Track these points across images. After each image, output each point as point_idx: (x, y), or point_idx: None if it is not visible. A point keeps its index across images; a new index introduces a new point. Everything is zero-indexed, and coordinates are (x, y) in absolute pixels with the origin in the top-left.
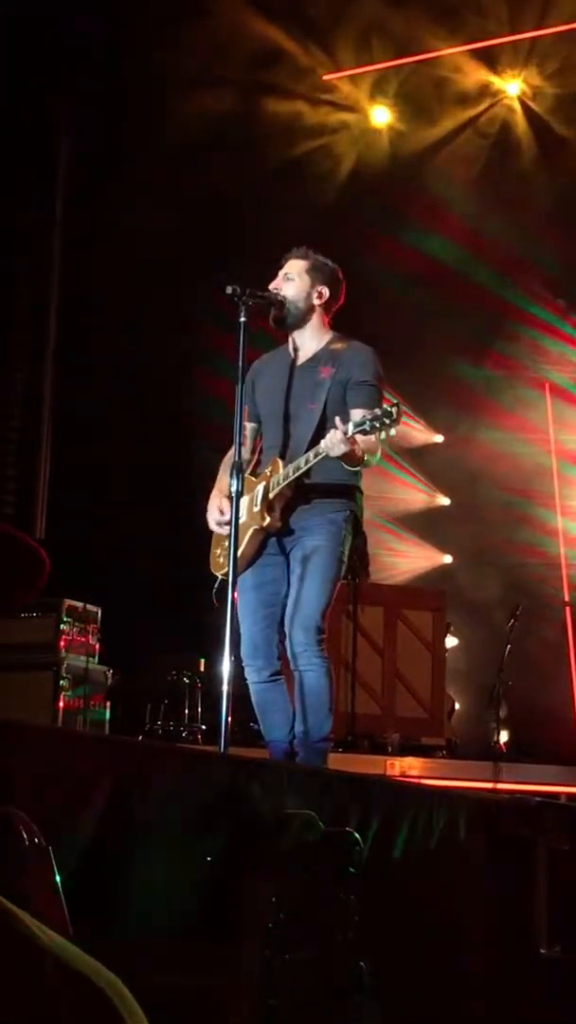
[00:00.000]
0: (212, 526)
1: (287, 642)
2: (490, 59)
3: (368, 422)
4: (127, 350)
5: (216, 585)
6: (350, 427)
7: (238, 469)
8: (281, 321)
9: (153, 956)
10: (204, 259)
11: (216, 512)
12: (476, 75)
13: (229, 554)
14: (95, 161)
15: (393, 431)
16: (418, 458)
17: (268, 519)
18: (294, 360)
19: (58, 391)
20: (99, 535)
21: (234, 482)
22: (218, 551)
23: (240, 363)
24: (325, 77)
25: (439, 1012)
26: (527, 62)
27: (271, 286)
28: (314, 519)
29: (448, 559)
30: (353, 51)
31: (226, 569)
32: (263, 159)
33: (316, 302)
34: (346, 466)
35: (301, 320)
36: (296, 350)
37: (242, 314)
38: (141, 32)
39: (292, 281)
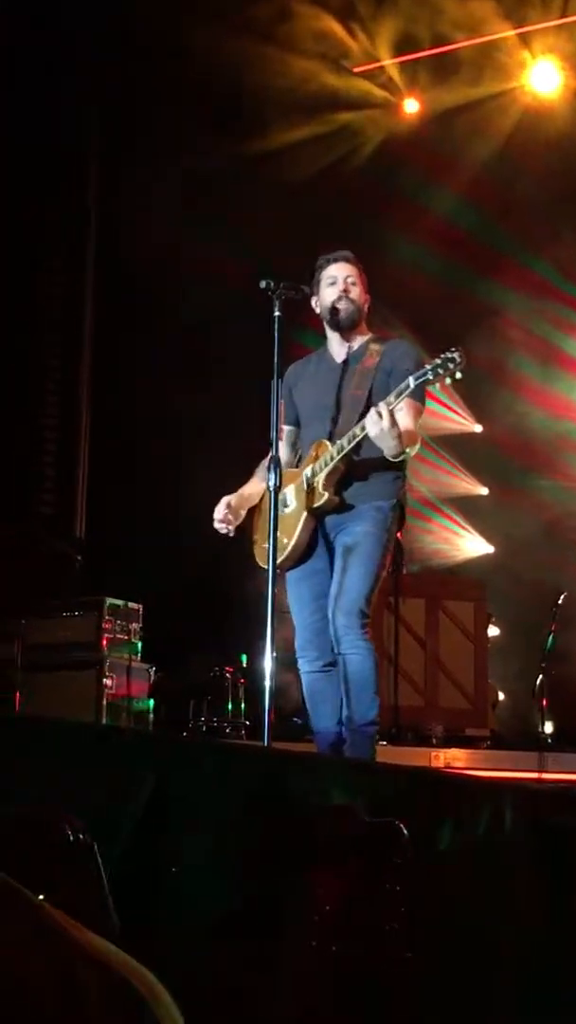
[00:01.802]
0: (216, 524)
1: (331, 627)
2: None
3: (431, 370)
4: (165, 345)
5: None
6: (411, 380)
7: (276, 463)
8: (345, 322)
9: (196, 952)
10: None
11: (223, 508)
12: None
13: (269, 548)
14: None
15: (459, 375)
16: (457, 447)
17: (325, 496)
18: (334, 359)
19: (95, 389)
20: (139, 533)
21: (272, 476)
22: (265, 544)
23: (275, 357)
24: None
25: (485, 1004)
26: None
27: (338, 290)
28: (361, 506)
29: (490, 548)
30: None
31: (282, 558)
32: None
33: (366, 308)
34: (389, 457)
35: (358, 324)
36: (336, 351)
37: (276, 308)
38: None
39: (356, 286)
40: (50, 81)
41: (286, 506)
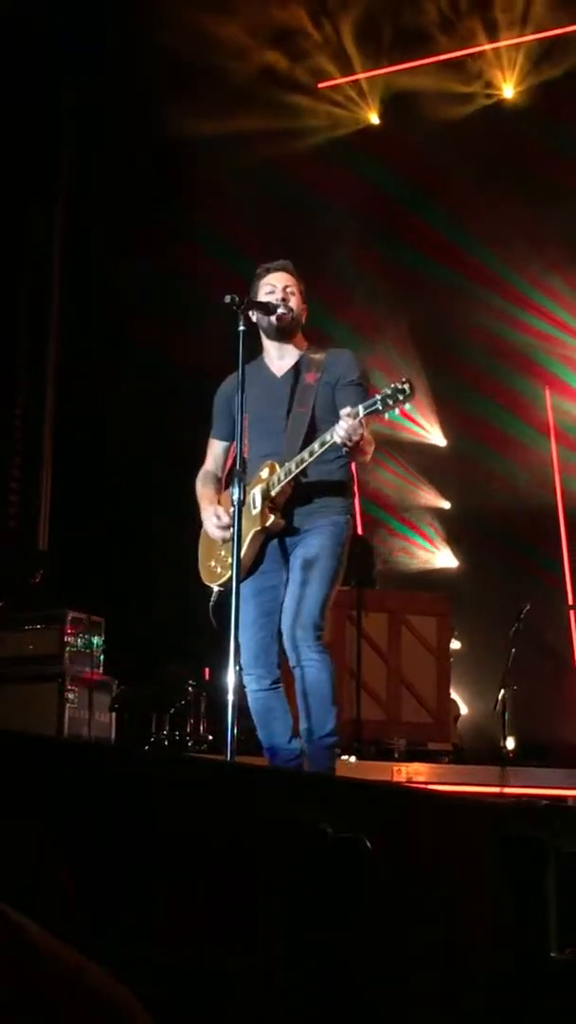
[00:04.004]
0: (213, 533)
1: (287, 640)
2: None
3: (380, 401)
4: (129, 359)
5: (213, 599)
6: (361, 409)
7: (239, 477)
8: (284, 331)
9: (161, 968)
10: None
11: (214, 517)
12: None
13: (232, 563)
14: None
15: (408, 406)
16: (420, 458)
17: (272, 518)
18: (272, 372)
19: (60, 403)
20: (102, 546)
21: (235, 490)
22: (211, 562)
23: (240, 371)
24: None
25: (450, 1018)
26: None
27: (275, 298)
28: (317, 520)
29: (454, 562)
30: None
31: (222, 580)
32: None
33: (303, 318)
34: (349, 458)
35: (294, 334)
36: (273, 363)
37: (240, 323)
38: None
39: (295, 295)
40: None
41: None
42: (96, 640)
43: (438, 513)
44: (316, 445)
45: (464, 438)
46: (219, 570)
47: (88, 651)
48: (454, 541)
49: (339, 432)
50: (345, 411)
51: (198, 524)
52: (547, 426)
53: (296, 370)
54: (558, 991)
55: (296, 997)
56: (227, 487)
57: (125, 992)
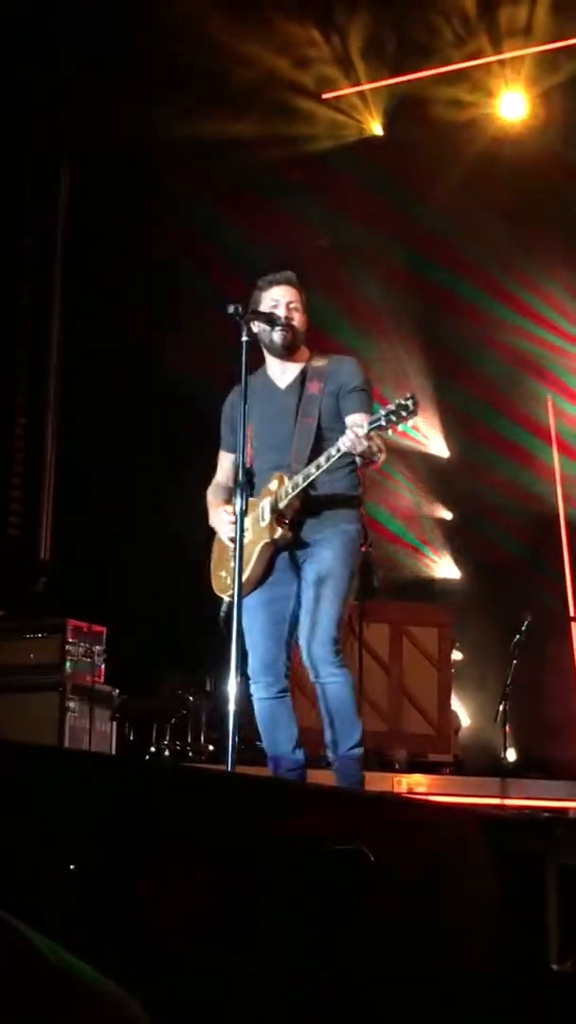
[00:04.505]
0: (227, 531)
1: (305, 657)
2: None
3: (384, 416)
4: (132, 370)
5: (223, 608)
6: (365, 425)
7: (242, 488)
8: (288, 348)
9: (162, 974)
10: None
11: (226, 515)
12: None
13: (235, 575)
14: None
15: (411, 422)
16: (422, 467)
17: (280, 531)
18: (276, 384)
19: (62, 414)
20: (105, 556)
21: (238, 500)
22: (222, 572)
23: (243, 382)
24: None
25: None
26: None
27: (280, 314)
28: (327, 531)
29: (457, 573)
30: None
31: (232, 591)
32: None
33: (303, 330)
34: (361, 466)
35: (299, 348)
36: (277, 376)
37: (244, 334)
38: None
39: (298, 311)
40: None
41: (245, 537)
42: (97, 649)
43: (440, 523)
44: (323, 459)
45: (467, 448)
46: (229, 580)
47: (89, 661)
48: (456, 551)
49: (344, 443)
50: (351, 419)
51: (207, 533)
52: (549, 436)
53: (300, 381)
54: (558, 1003)
55: (295, 1004)
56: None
57: (123, 994)
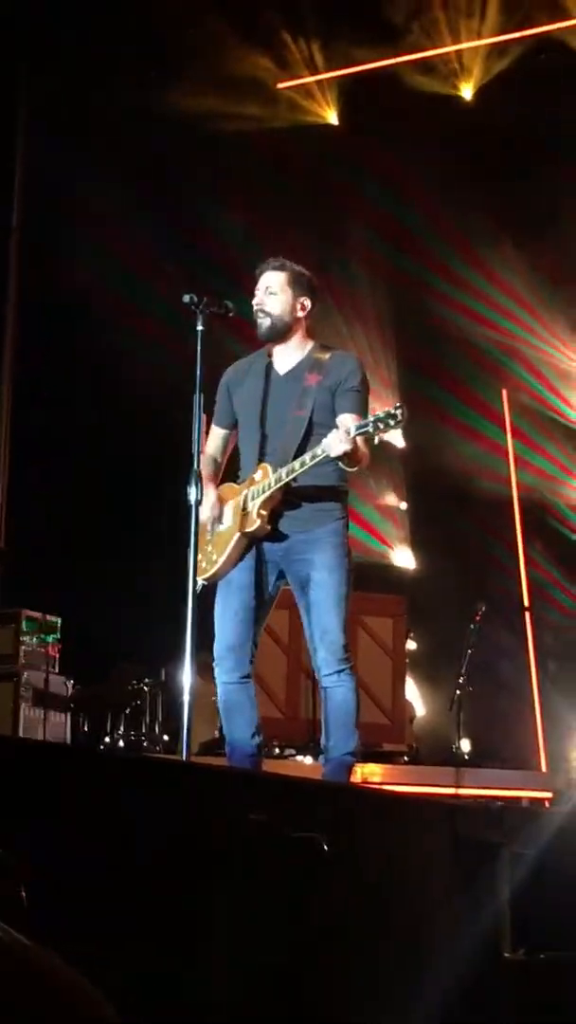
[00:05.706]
0: (203, 513)
1: (314, 661)
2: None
3: (372, 423)
4: (88, 355)
5: (200, 591)
6: (352, 428)
7: (197, 478)
8: (268, 336)
9: (120, 967)
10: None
11: (206, 507)
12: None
13: (190, 561)
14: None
15: (399, 430)
16: (377, 456)
17: (257, 523)
18: (275, 369)
19: (15, 400)
20: (59, 545)
21: (192, 490)
22: (200, 557)
23: (198, 372)
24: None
25: (402, 1016)
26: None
27: (254, 303)
28: (315, 529)
29: (411, 563)
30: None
31: (206, 574)
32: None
33: (300, 314)
34: (344, 467)
35: (287, 333)
36: (277, 359)
37: (199, 323)
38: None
39: (275, 295)
40: None
41: (221, 523)
42: (51, 639)
43: (395, 512)
44: (307, 457)
45: (422, 436)
46: (204, 564)
47: (43, 651)
48: (411, 540)
49: (327, 446)
50: (341, 418)
51: (168, 520)
52: (503, 422)
53: (299, 369)
54: (511, 991)
55: (251, 990)
56: (223, 481)
57: (86, 983)
